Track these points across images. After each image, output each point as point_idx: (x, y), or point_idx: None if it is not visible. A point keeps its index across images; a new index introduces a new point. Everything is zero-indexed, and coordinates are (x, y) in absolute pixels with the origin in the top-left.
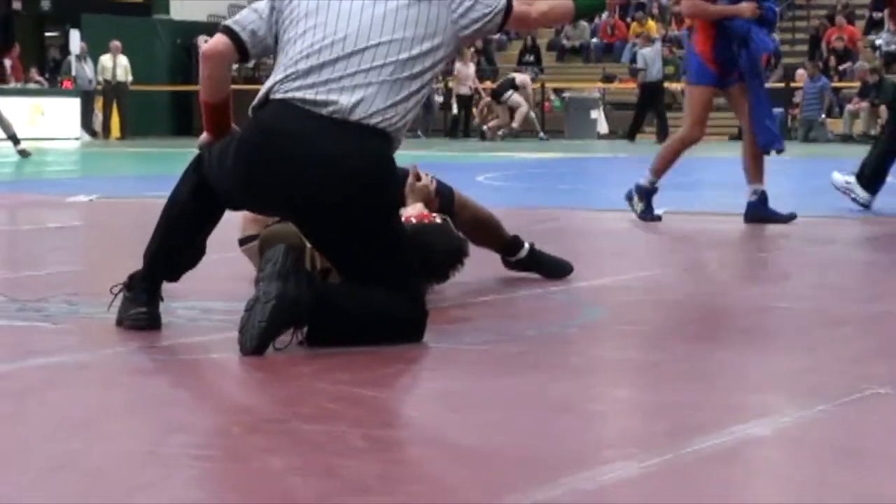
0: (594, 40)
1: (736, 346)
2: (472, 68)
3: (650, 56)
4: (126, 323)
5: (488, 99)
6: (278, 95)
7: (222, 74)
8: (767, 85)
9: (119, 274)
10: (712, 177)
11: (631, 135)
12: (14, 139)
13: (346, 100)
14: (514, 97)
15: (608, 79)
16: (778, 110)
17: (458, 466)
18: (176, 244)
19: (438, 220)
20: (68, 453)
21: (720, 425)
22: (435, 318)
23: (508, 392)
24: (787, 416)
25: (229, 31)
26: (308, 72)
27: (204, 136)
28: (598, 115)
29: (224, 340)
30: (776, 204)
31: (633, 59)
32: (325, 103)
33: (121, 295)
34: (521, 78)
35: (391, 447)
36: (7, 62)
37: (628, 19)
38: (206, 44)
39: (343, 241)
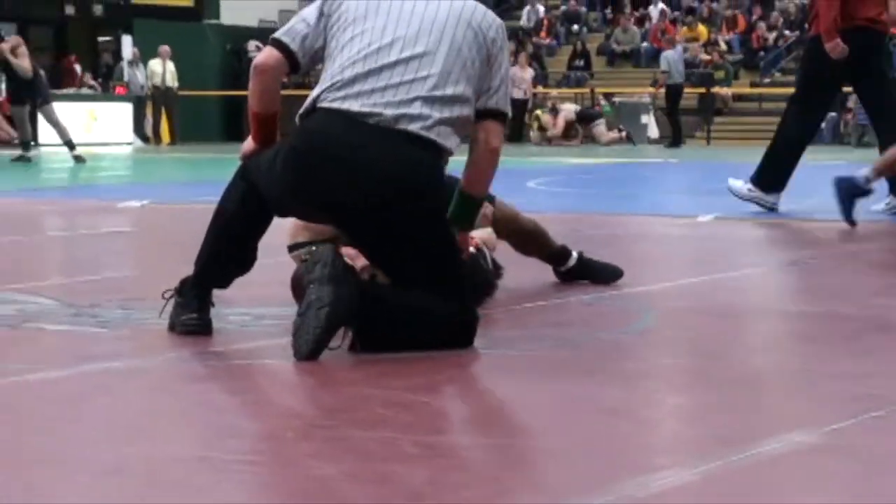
0: (644, 45)
1: (788, 352)
2: (529, 73)
3: (673, 59)
4: (178, 329)
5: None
6: (325, 104)
7: (274, 87)
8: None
9: (171, 279)
10: None
11: (675, 140)
12: (70, 145)
13: (390, 112)
14: (599, 127)
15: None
16: (832, 115)
17: (510, 472)
18: (225, 250)
19: (472, 250)
20: (123, 457)
21: (772, 432)
22: (487, 323)
23: (560, 398)
24: (840, 422)
25: (280, 45)
26: (353, 80)
27: (247, 143)
28: (648, 119)
29: (275, 346)
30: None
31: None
32: (370, 114)
33: (172, 300)
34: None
35: (443, 453)
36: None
37: (679, 24)
38: (257, 57)
39: (390, 248)
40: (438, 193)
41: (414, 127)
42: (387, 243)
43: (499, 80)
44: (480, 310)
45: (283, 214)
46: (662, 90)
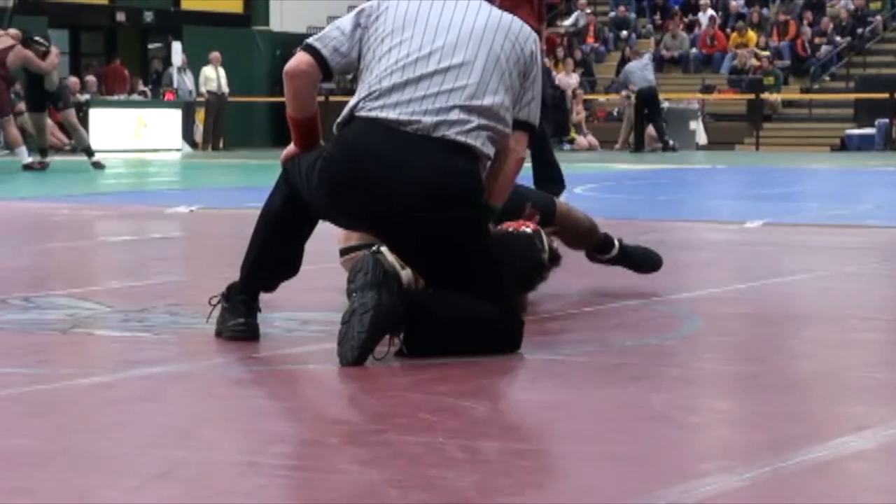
0: (693, 51)
1: (835, 358)
2: (574, 78)
3: (633, 69)
4: (225, 334)
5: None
6: (362, 113)
7: (307, 92)
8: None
9: (219, 285)
10: (814, 188)
11: (638, 146)
12: (88, 152)
13: (429, 119)
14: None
15: (707, 89)
16: (883, 121)
17: (556, 478)
18: (271, 254)
19: (529, 230)
20: (171, 461)
21: (820, 437)
22: (533, 328)
23: (607, 403)
24: (890, 427)
25: (311, 50)
26: (391, 90)
27: (289, 148)
28: (696, 125)
29: (321, 351)
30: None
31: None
32: (409, 122)
33: (219, 306)
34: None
35: (489, 458)
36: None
37: (728, 30)
38: (289, 63)
39: (430, 256)
40: (481, 201)
41: (452, 133)
42: (426, 250)
43: (531, 94)
44: (526, 316)
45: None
46: (632, 101)
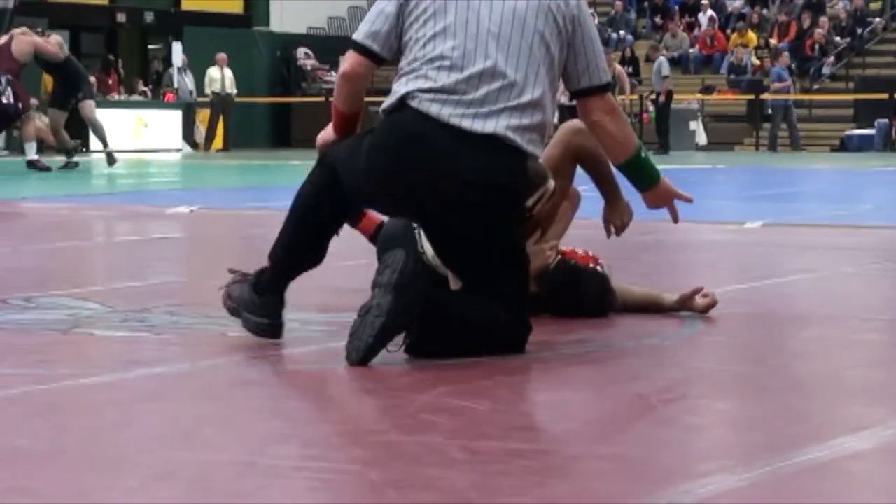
0: (693, 51)
1: (835, 358)
2: None
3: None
4: (247, 325)
5: None
6: (414, 104)
7: (361, 91)
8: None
9: (218, 284)
10: (814, 188)
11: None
12: (108, 152)
13: (480, 120)
14: None
15: (707, 90)
16: (883, 121)
17: (556, 478)
18: (301, 243)
19: (601, 271)
20: (172, 462)
21: (819, 438)
22: (535, 329)
23: (607, 403)
24: (889, 428)
25: (364, 50)
26: (442, 87)
27: (327, 132)
28: (696, 126)
29: (322, 351)
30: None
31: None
32: (460, 119)
33: (241, 285)
34: None
35: (489, 459)
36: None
37: (728, 30)
38: (345, 66)
39: (468, 250)
40: (521, 198)
41: (501, 131)
42: (468, 246)
43: (585, 60)
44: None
45: (365, 203)
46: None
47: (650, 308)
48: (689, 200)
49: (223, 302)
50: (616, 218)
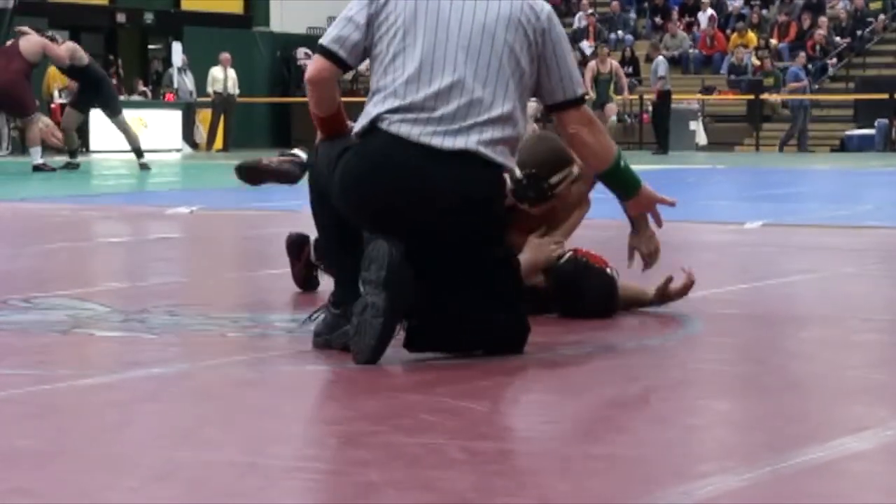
0: (693, 51)
1: (835, 359)
2: None
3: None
4: (334, 343)
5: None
6: (383, 126)
7: (330, 94)
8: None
9: (219, 285)
10: (814, 188)
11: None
12: (142, 163)
13: (450, 137)
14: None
15: (707, 90)
16: (883, 121)
17: (557, 478)
18: (343, 247)
19: (609, 272)
20: (172, 462)
21: (819, 438)
22: (534, 330)
23: (607, 405)
24: (889, 428)
25: (330, 55)
26: (410, 106)
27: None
28: (696, 126)
29: (321, 352)
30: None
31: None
32: (430, 138)
33: (324, 314)
34: None
35: (489, 459)
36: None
37: (728, 30)
38: (309, 70)
39: (455, 261)
40: (503, 213)
41: (472, 147)
42: (447, 262)
43: (558, 73)
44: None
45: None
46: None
47: (635, 304)
48: (672, 204)
49: (313, 344)
50: (642, 246)
